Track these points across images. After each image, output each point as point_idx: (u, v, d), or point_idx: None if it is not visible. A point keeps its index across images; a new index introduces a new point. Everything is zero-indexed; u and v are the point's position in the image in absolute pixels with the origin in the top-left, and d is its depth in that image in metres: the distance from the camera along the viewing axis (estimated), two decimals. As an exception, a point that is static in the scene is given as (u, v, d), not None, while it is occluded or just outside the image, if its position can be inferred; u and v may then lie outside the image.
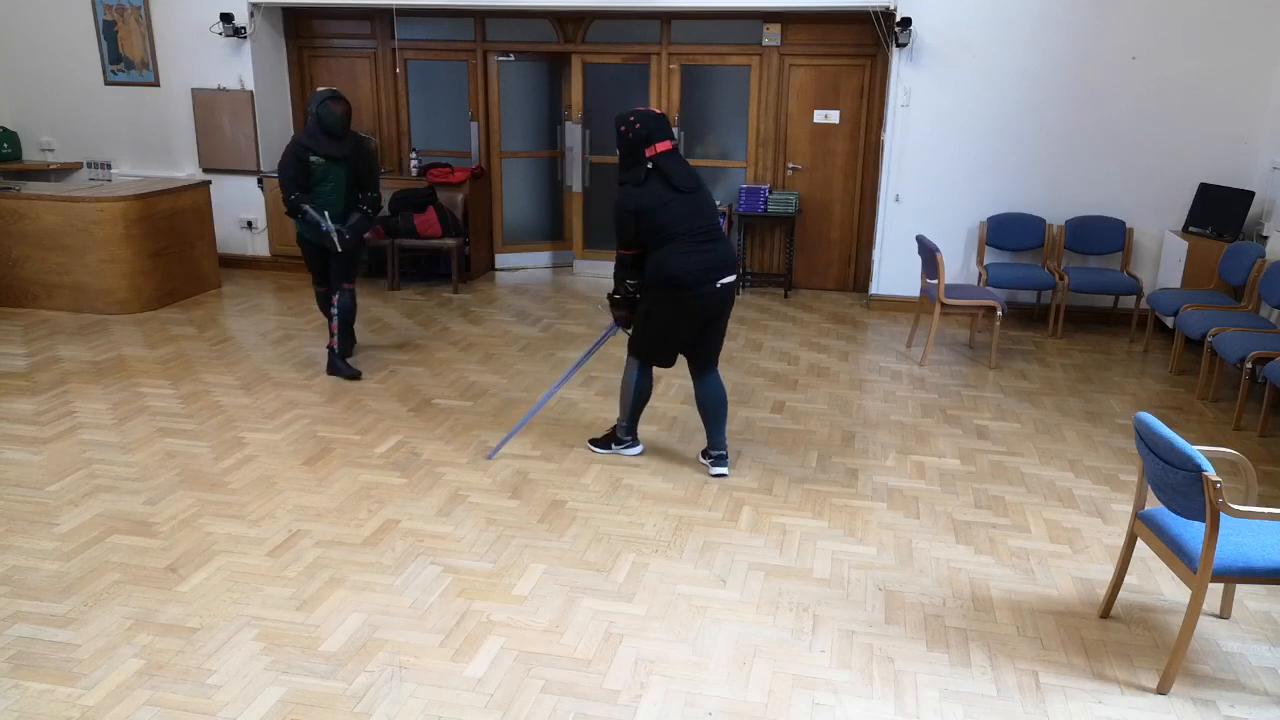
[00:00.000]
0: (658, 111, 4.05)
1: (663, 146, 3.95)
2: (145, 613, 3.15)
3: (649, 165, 3.94)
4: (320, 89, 5.28)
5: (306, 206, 5.19)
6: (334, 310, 5.45)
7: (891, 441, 4.75)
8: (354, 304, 5.53)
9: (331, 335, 5.50)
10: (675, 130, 7.73)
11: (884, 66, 7.18)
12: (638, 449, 4.52)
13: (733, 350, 6.17)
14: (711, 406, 4.24)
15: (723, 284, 4.00)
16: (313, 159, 5.18)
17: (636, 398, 4.36)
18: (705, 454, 4.40)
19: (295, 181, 5.18)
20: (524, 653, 2.98)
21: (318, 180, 5.22)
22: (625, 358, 4.37)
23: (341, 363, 5.53)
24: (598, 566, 3.50)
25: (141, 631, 3.04)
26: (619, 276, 4.13)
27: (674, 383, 5.50)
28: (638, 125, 3.95)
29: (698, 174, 4.08)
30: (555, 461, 4.41)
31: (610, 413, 5.01)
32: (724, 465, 4.32)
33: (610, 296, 4.22)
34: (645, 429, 4.81)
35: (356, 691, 2.79)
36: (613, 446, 4.51)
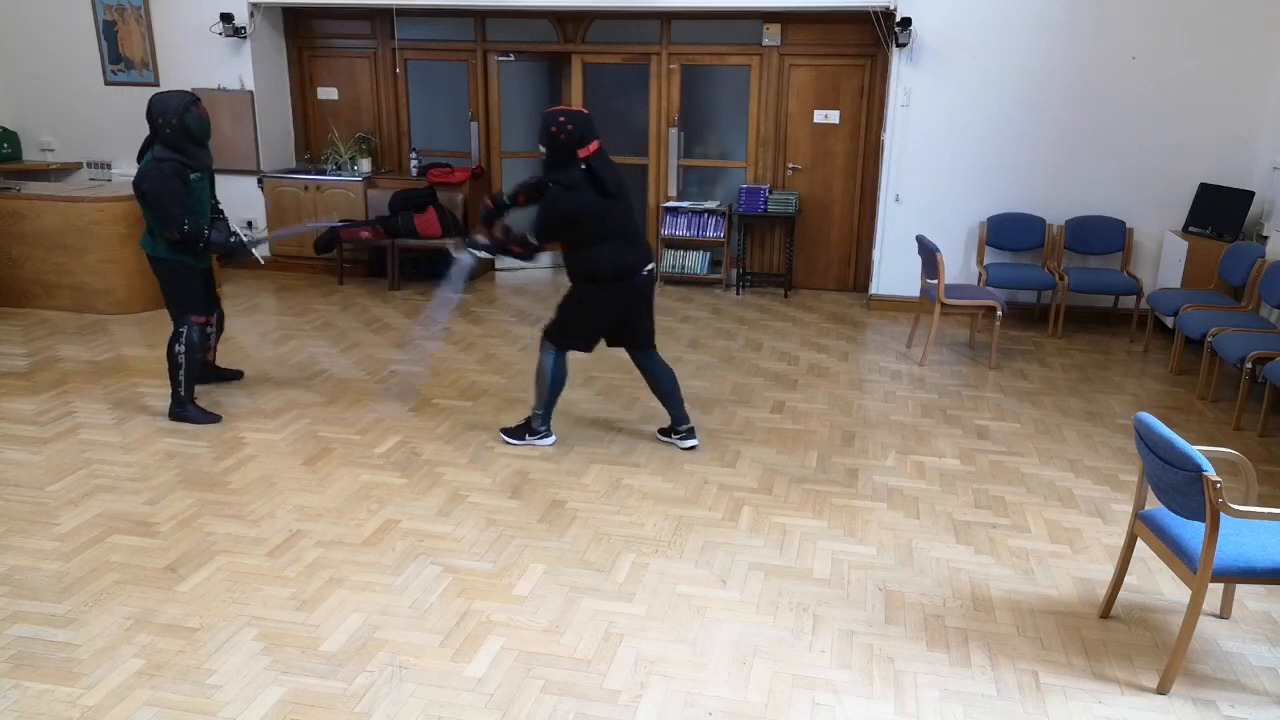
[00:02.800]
0: (585, 111, 4.11)
1: (594, 147, 4.04)
2: (145, 613, 3.15)
3: (582, 166, 4.03)
4: (171, 93, 4.50)
5: (208, 231, 4.60)
6: (210, 330, 4.97)
7: (891, 441, 4.75)
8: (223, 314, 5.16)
9: (210, 350, 5.05)
10: (675, 130, 7.77)
11: (884, 66, 7.18)
12: (551, 439, 4.58)
13: (733, 350, 6.17)
14: (665, 386, 4.46)
15: (648, 271, 4.28)
16: (193, 176, 4.54)
17: (554, 385, 4.45)
18: (669, 431, 4.60)
19: (183, 204, 4.49)
20: (524, 653, 2.98)
21: (195, 200, 4.58)
22: (540, 346, 4.42)
23: (219, 369, 5.26)
24: (598, 566, 3.50)
25: (141, 631, 3.04)
26: (523, 254, 4.27)
27: (674, 383, 5.50)
28: (570, 126, 3.99)
29: (621, 177, 4.18)
30: (555, 461, 4.41)
31: (609, 412, 5.01)
32: (693, 438, 4.55)
33: (476, 245, 4.40)
34: (645, 429, 4.81)
35: (356, 691, 2.79)
36: (527, 437, 4.56)
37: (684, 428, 4.55)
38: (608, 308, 4.28)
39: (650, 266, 4.28)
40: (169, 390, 4.88)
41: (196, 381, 4.88)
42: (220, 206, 5.00)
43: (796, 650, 3.02)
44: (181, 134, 4.47)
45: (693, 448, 4.54)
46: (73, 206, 6.55)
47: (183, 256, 4.67)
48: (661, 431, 4.66)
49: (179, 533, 3.68)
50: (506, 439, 4.58)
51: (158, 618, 3.12)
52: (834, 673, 2.92)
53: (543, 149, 4.09)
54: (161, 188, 4.43)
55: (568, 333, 4.35)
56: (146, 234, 4.70)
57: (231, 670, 2.86)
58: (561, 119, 4.00)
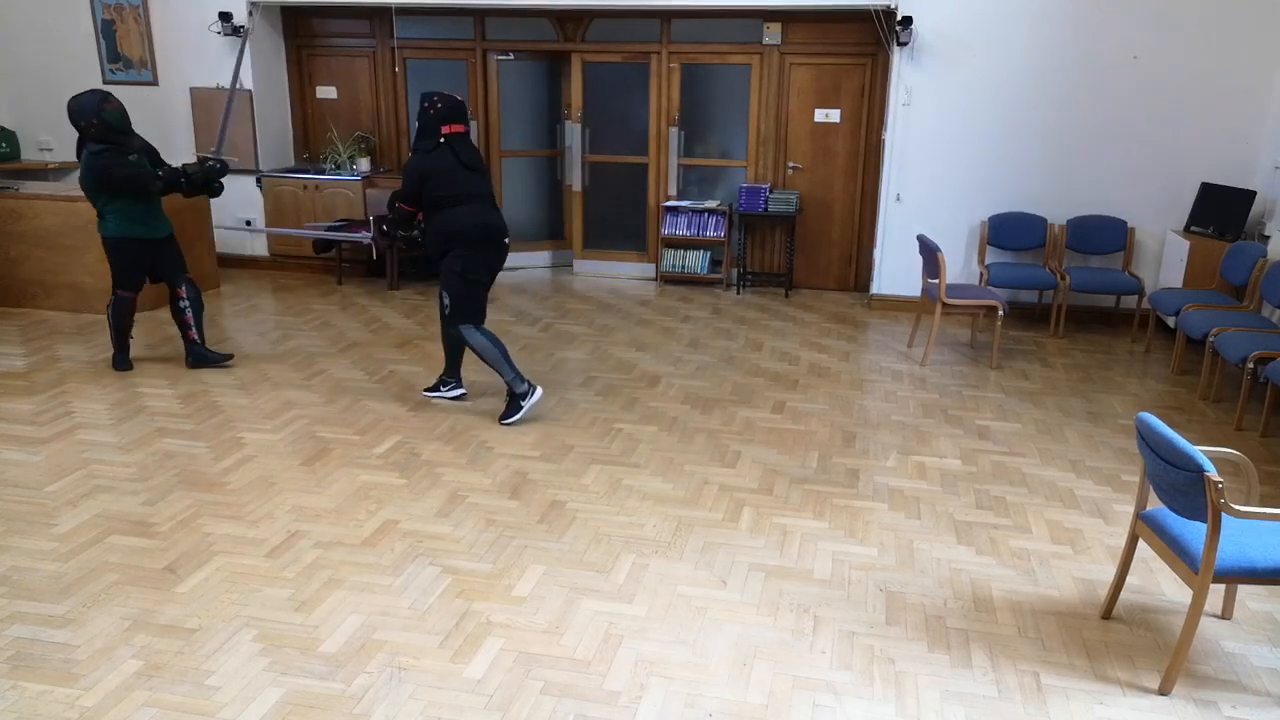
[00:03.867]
0: (459, 99, 4.70)
1: (456, 128, 4.61)
2: (144, 613, 3.14)
3: (441, 140, 4.58)
4: (77, 98, 5.03)
5: (183, 168, 5.30)
6: (184, 304, 5.45)
7: (892, 442, 4.74)
8: (199, 290, 5.58)
9: (190, 329, 5.51)
10: (675, 130, 7.76)
11: (885, 65, 7.17)
12: (537, 393, 4.86)
13: (733, 350, 6.17)
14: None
15: (506, 242, 4.76)
16: (132, 158, 5.15)
17: (493, 354, 4.77)
18: (436, 387, 5.14)
19: (142, 172, 5.13)
20: (523, 654, 2.97)
21: (147, 170, 5.22)
22: (456, 332, 4.81)
23: (210, 351, 5.62)
24: (598, 567, 3.49)
25: (140, 632, 3.03)
26: (394, 221, 5.07)
27: (674, 383, 5.49)
28: (439, 104, 4.60)
29: (481, 159, 4.77)
30: (555, 462, 4.40)
31: (609, 412, 5.00)
32: (456, 388, 5.12)
33: (379, 225, 4.98)
34: (645, 429, 4.80)
35: (355, 692, 2.78)
36: (521, 405, 4.81)
37: (450, 380, 5.09)
38: (481, 270, 4.69)
39: (507, 240, 4.75)
40: (111, 354, 5.59)
41: (124, 348, 5.54)
42: (175, 168, 5.42)
43: (797, 651, 3.02)
44: (104, 128, 5.03)
45: (446, 398, 5.07)
46: (71, 206, 6.54)
47: (122, 228, 5.21)
48: (428, 389, 5.15)
49: (178, 533, 3.67)
50: (506, 422, 4.79)
51: (156, 618, 3.11)
52: (835, 674, 2.91)
53: (416, 123, 4.71)
54: (114, 169, 5.03)
55: (464, 305, 4.72)
56: (99, 221, 5.27)
57: (230, 671, 2.85)
58: (435, 98, 4.62)
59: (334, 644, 3.00)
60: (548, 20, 7.78)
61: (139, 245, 5.28)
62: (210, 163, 5.41)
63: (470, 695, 2.77)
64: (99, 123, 5.00)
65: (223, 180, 5.53)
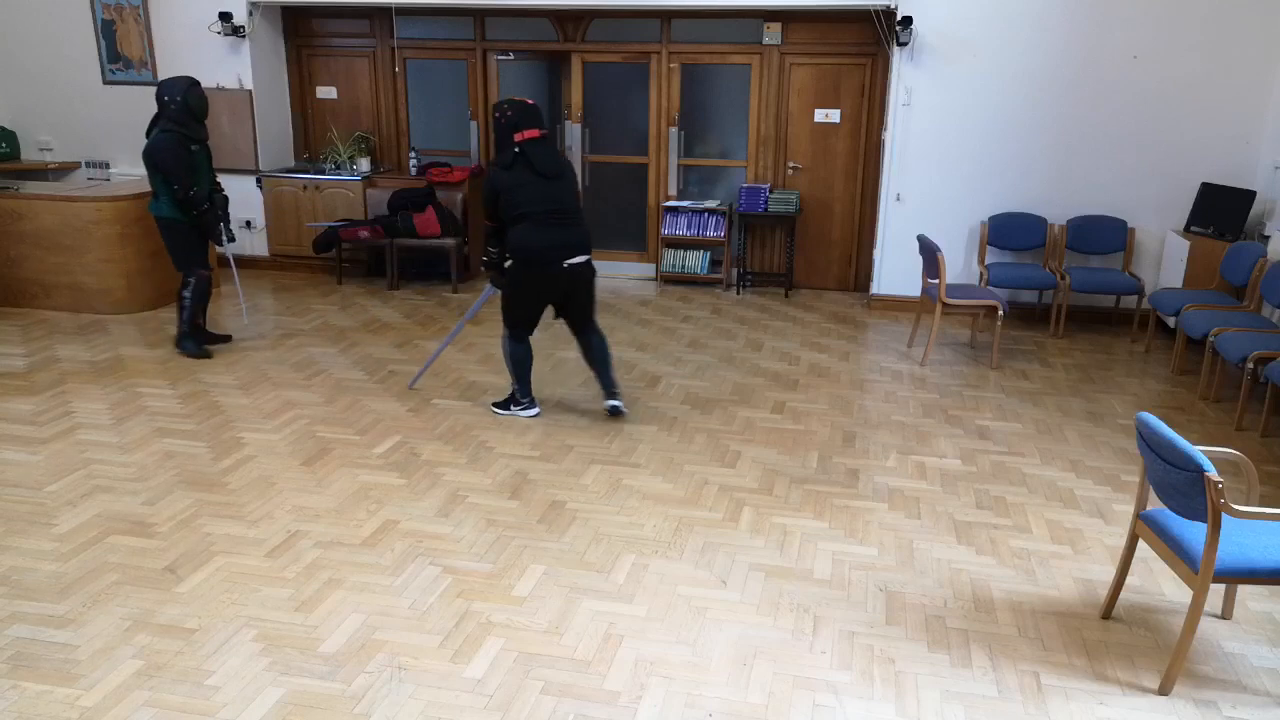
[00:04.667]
0: (530, 103, 4.47)
1: (530, 133, 4.39)
2: (144, 613, 3.14)
3: (516, 150, 4.39)
4: (176, 77, 5.45)
5: (205, 206, 5.53)
6: (187, 294, 5.70)
7: (892, 442, 4.74)
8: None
9: (185, 312, 5.77)
10: (675, 130, 7.76)
11: (885, 65, 7.17)
12: (534, 410, 4.88)
13: (733, 350, 6.16)
14: (594, 356, 4.77)
15: (569, 264, 4.47)
16: (193, 147, 5.43)
17: (518, 364, 4.74)
18: (610, 396, 4.84)
19: (188, 170, 5.40)
20: (524, 654, 2.97)
21: (196, 167, 5.48)
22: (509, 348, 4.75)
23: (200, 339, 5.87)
24: (598, 567, 3.49)
25: (140, 632, 3.03)
26: (485, 243, 4.70)
27: (674, 383, 5.49)
28: (509, 112, 4.41)
29: (562, 162, 4.54)
30: (555, 462, 4.40)
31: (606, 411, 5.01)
32: (619, 399, 4.80)
33: (482, 259, 4.75)
34: (645, 429, 4.80)
35: (356, 692, 2.78)
36: (511, 408, 4.86)
37: (611, 391, 4.80)
38: (530, 290, 4.53)
39: (575, 259, 4.47)
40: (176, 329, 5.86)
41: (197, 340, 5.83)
42: (219, 180, 5.81)
43: (797, 651, 3.02)
44: (184, 110, 5.36)
45: (615, 408, 4.79)
46: (71, 206, 6.54)
47: (181, 217, 5.51)
48: (614, 394, 4.83)
49: (178, 533, 3.67)
50: (494, 409, 4.91)
51: (156, 618, 3.11)
52: (835, 674, 2.91)
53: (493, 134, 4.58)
54: (169, 155, 5.32)
55: (509, 314, 4.65)
56: (153, 199, 5.56)
57: (230, 671, 2.85)
58: (504, 106, 4.44)
59: (334, 644, 3.00)
60: (548, 20, 7.78)
61: (187, 228, 5.59)
62: (224, 230, 5.73)
63: (470, 695, 2.77)
64: (181, 102, 5.33)
65: (222, 231, 5.73)
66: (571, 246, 4.46)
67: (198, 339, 5.80)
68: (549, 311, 4.73)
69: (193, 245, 5.66)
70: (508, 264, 4.55)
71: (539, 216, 4.38)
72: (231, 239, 5.83)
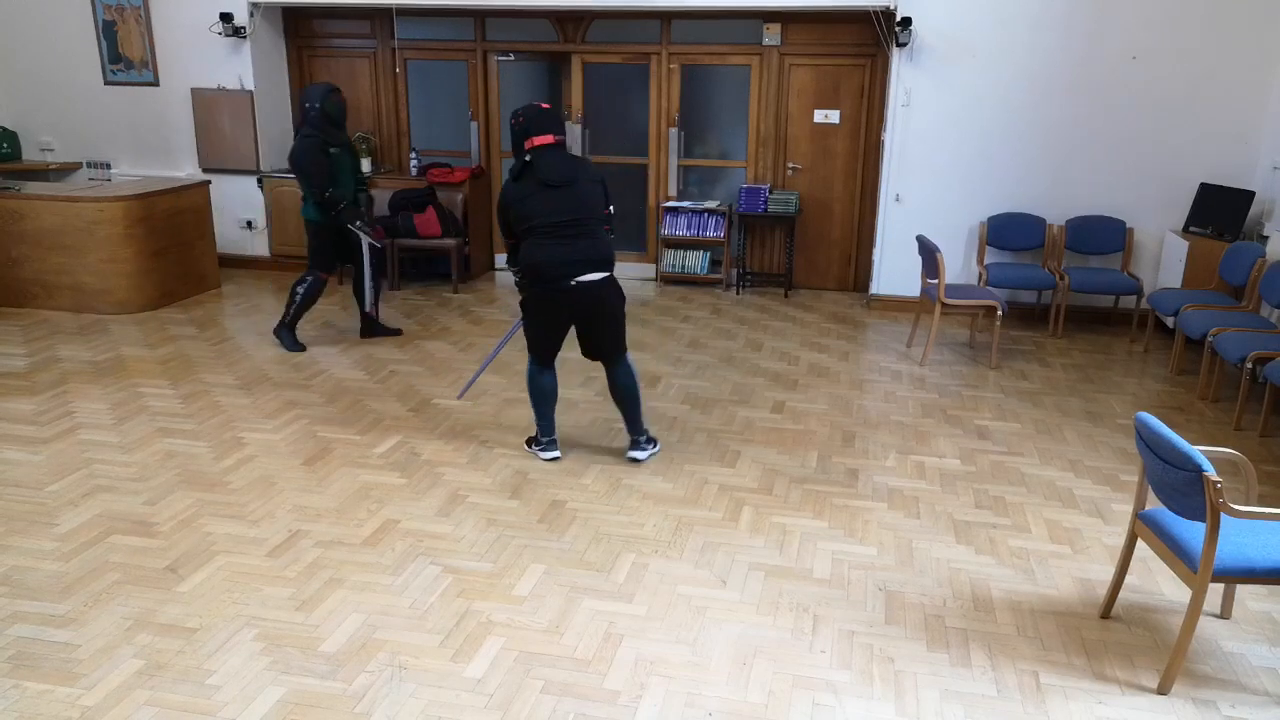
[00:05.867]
0: (544, 107, 4.13)
1: (541, 140, 4.02)
2: (145, 613, 3.15)
3: (525, 158, 4.04)
4: (315, 84, 5.69)
5: (343, 205, 5.67)
6: (299, 290, 5.90)
7: (892, 441, 4.74)
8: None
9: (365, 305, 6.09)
10: (675, 130, 7.76)
11: (884, 66, 7.18)
12: (552, 453, 4.39)
13: (733, 350, 6.17)
14: (618, 396, 4.33)
15: (580, 282, 4.01)
16: (332, 150, 5.60)
17: (534, 396, 4.33)
18: (634, 444, 4.43)
19: (326, 173, 5.57)
20: (524, 653, 2.98)
21: (337, 169, 5.64)
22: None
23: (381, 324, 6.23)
24: (598, 566, 3.50)
25: (141, 632, 3.04)
26: (507, 260, 4.30)
27: (674, 383, 5.50)
28: (521, 119, 4.08)
29: (577, 169, 4.08)
30: (555, 461, 4.40)
31: (609, 412, 5.00)
32: (639, 449, 4.41)
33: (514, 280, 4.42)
34: (644, 429, 4.80)
35: (356, 692, 2.78)
36: (531, 446, 4.49)
37: (632, 437, 4.41)
38: (542, 311, 4.14)
39: (588, 277, 4.02)
40: (279, 319, 6.09)
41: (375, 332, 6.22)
42: (362, 178, 6.00)
43: (797, 651, 3.02)
44: (322, 116, 5.55)
45: (634, 459, 4.37)
46: (72, 206, 6.55)
47: (322, 219, 5.72)
48: (636, 443, 4.42)
49: (179, 533, 3.68)
50: (525, 445, 4.54)
51: (157, 618, 3.12)
52: (834, 673, 2.92)
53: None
54: (307, 159, 5.53)
55: (527, 336, 4.26)
56: (302, 202, 5.80)
57: (231, 670, 2.86)
58: (518, 112, 4.13)
59: (335, 643, 3.01)
60: (548, 21, 7.78)
61: (330, 230, 5.76)
62: (360, 225, 5.79)
63: (470, 694, 2.78)
64: (318, 109, 5.53)
65: (359, 231, 5.82)
66: (582, 262, 4.01)
67: (295, 334, 6.02)
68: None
69: (325, 247, 5.82)
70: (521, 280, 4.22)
71: (546, 229, 3.99)
72: (370, 237, 5.83)
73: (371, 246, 5.86)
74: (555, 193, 4.00)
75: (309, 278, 5.89)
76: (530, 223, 4.01)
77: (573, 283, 4.01)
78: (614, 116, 7.95)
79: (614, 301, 4.15)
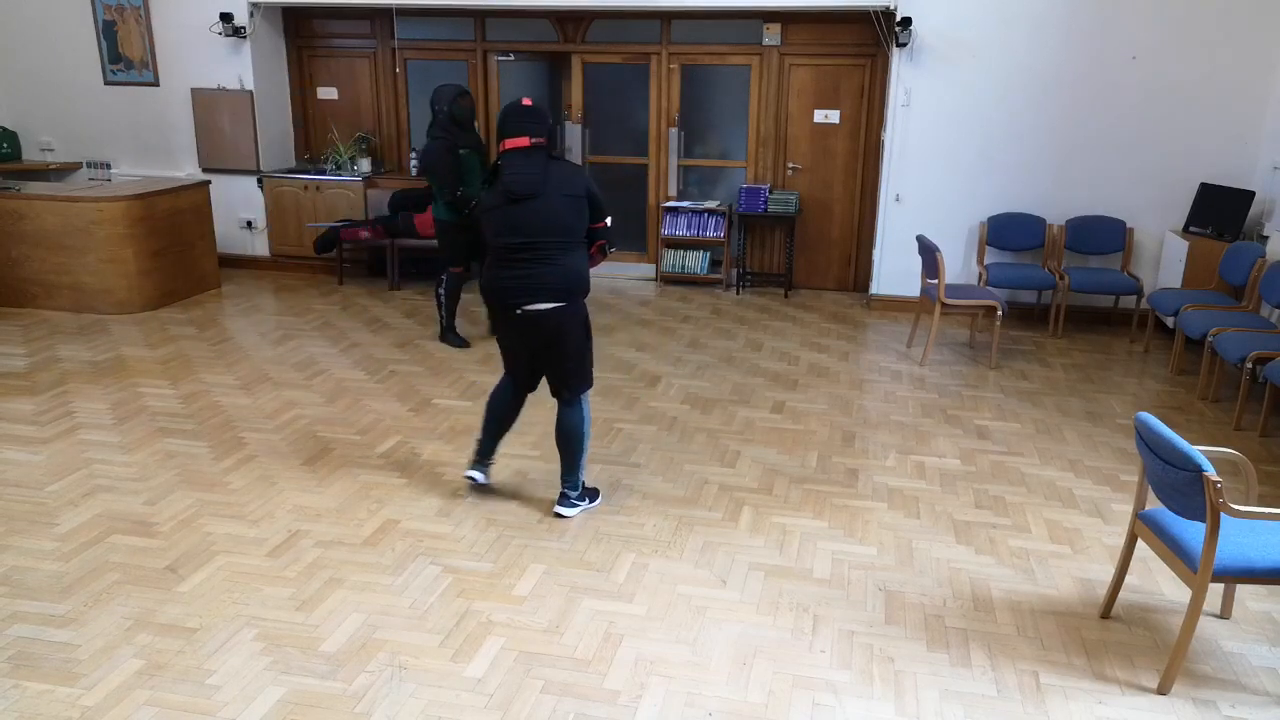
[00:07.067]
0: (525, 103, 3.59)
1: (514, 142, 3.52)
2: (145, 613, 3.15)
3: (498, 162, 3.57)
4: (446, 86, 5.75)
5: (474, 202, 5.60)
6: (440, 293, 6.07)
7: (892, 441, 4.74)
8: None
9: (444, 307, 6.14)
10: (675, 130, 7.76)
11: (884, 66, 7.18)
12: (478, 475, 3.99)
13: (733, 350, 6.17)
14: (559, 436, 3.80)
15: (525, 311, 3.55)
16: (462, 152, 5.72)
17: (488, 408, 3.95)
18: (563, 498, 3.90)
19: (454, 175, 5.68)
20: (524, 653, 2.98)
21: (466, 170, 5.75)
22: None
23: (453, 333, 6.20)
24: (598, 566, 3.50)
25: (141, 632, 3.04)
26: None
27: (674, 383, 5.50)
28: (500, 118, 3.62)
29: (548, 180, 3.50)
30: (555, 461, 4.39)
31: (609, 412, 5.01)
32: (566, 504, 3.84)
33: None
34: (645, 429, 4.80)
35: (356, 692, 2.78)
36: (472, 471, 4.01)
37: (561, 489, 3.88)
38: (502, 333, 3.78)
39: (535, 307, 3.55)
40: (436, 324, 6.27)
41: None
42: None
43: (797, 651, 3.02)
44: (447, 119, 5.65)
45: (558, 515, 3.83)
46: (72, 206, 6.55)
47: (452, 218, 5.80)
48: (564, 496, 3.87)
49: (179, 533, 3.68)
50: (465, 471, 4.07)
51: (157, 618, 3.12)
52: (834, 673, 2.92)
53: None
54: (436, 160, 5.66)
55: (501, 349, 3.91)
56: (434, 202, 5.89)
57: (231, 670, 2.86)
58: (501, 110, 3.72)
59: (335, 643, 3.01)
60: (548, 21, 7.78)
61: (456, 228, 5.83)
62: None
63: (471, 694, 2.78)
64: (447, 111, 5.64)
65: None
66: (531, 290, 3.52)
67: (457, 332, 6.15)
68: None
69: (457, 245, 5.89)
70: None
71: (499, 250, 3.55)
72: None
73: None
74: (515, 209, 3.49)
75: (443, 276, 6.01)
76: (489, 240, 3.59)
77: (519, 311, 3.57)
78: (614, 116, 7.95)
79: (570, 334, 3.64)
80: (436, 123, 5.70)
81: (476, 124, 6.14)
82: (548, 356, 3.71)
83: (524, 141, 3.51)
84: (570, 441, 3.79)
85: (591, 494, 3.99)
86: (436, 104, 5.69)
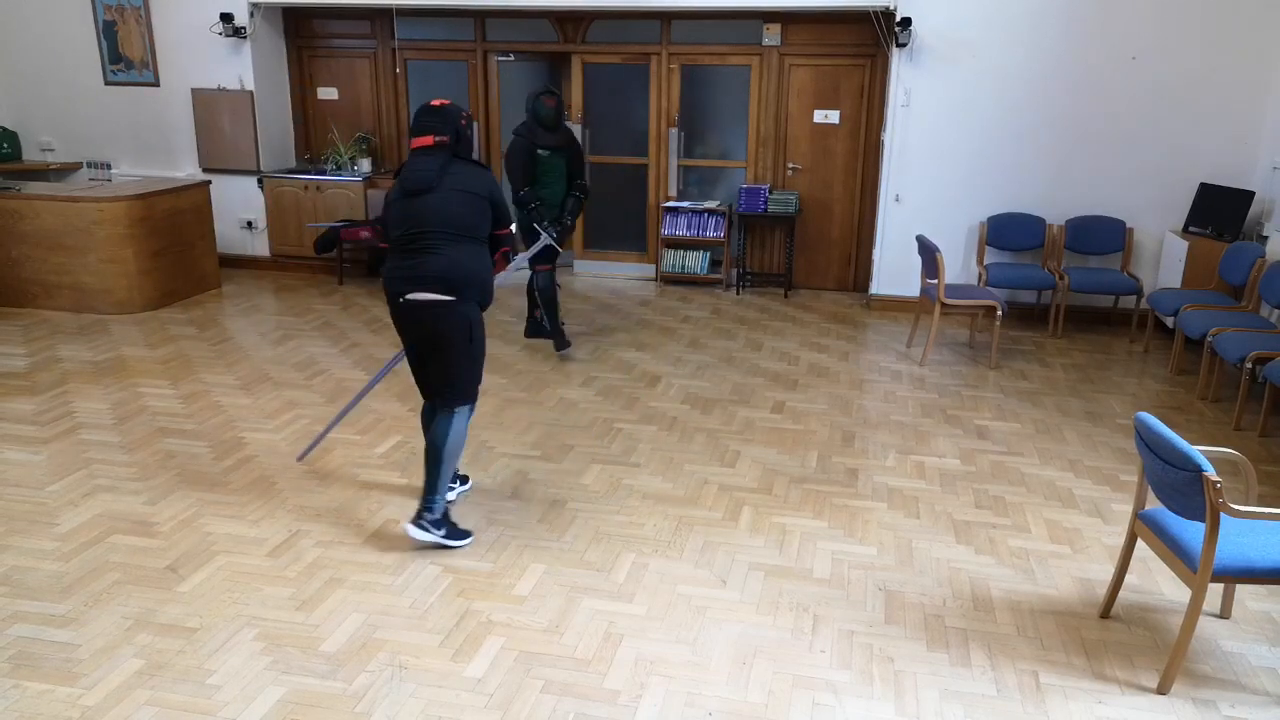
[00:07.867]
0: (432, 104, 3.58)
1: (418, 142, 3.54)
2: (145, 613, 3.15)
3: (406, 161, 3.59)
4: (537, 87, 5.75)
5: (534, 205, 5.62)
6: (537, 291, 5.93)
7: (891, 441, 4.75)
8: (551, 282, 5.94)
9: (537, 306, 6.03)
10: (675, 130, 7.76)
11: (884, 66, 7.18)
12: (451, 493, 3.86)
13: (733, 350, 6.17)
14: (427, 446, 3.60)
15: (407, 300, 3.46)
16: (539, 151, 5.67)
17: (422, 422, 3.84)
18: (419, 515, 3.63)
19: (526, 173, 5.63)
20: (524, 653, 2.98)
21: (544, 171, 5.70)
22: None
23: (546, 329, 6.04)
24: (598, 566, 3.50)
25: (141, 631, 3.04)
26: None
27: (674, 383, 5.50)
28: (412, 118, 3.65)
29: (444, 176, 3.49)
30: (555, 461, 4.41)
31: (609, 412, 5.01)
32: (419, 527, 3.56)
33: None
34: (645, 429, 4.80)
35: (356, 691, 2.78)
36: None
37: (426, 513, 3.58)
38: (394, 324, 3.64)
39: (417, 295, 3.44)
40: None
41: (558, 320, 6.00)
42: (580, 184, 5.91)
43: (797, 650, 3.02)
44: (530, 117, 5.66)
45: (409, 533, 3.57)
46: (73, 206, 6.55)
47: (520, 216, 5.66)
48: (418, 515, 3.60)
49: (179, 533, 3.68)
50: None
51: (158, 618, 3.12)
52: (834, 673, 2.92)
53: None
54: (511, 157, 5.66)
55: None
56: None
57: (231, 670, 2.86)
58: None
59: (335, 643, 3.01)
60: (548, 21, 7.79)
61: (525, 229, 5.69)
62: (546, 230, 5.61)
63: (471, 694, 2.78)
64: (530, 110, 5.66)
65: (541, 229, 5.60)
66: (415, 279, 3.43)
67: (560, 332, 5.97)
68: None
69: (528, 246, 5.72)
70: None
71: (395, 241, 3.52)
72: (549, 237, 5.57)
73: (546, 246, 5.61)
74: (410, 202, 3.48)
75: (532, 278, 5.92)
76: (388, 235, 3.56)
77: (401, 300, 3.48)
78: (614, 116, 7.96)
79: (452, 334, 3.49)
80: (525, 121, 5.70)
81: (567, 123, 5.99)
82: (433, 357, 3.59)
83: (427, 140, 3.53)
84: (432, 453, 3.57)
85: (454, 530, 3.63)
86: (526, 104, 5.70)
